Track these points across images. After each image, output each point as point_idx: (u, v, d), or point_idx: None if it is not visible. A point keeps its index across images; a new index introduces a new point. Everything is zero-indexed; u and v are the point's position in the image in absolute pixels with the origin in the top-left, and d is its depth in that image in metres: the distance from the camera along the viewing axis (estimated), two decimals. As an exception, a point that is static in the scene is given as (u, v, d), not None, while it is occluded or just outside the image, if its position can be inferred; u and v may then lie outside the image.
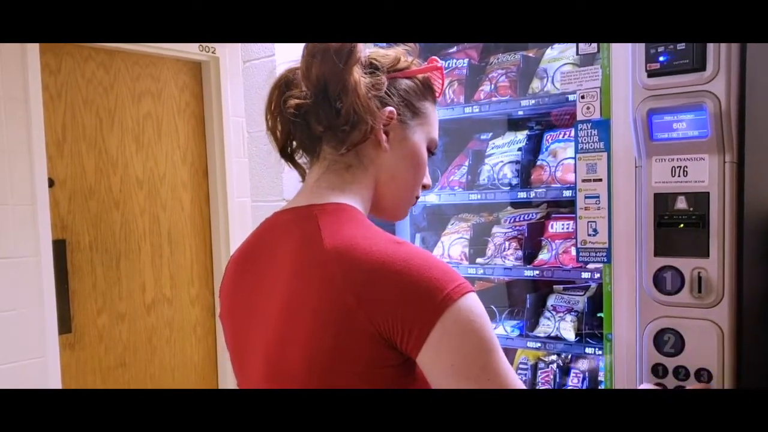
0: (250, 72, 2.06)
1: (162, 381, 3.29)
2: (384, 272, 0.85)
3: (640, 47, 1.34)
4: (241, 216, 3.44)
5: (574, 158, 1.57)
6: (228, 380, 3.50)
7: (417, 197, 1.11)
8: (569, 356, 1.99)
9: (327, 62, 0.96)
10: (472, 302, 0.86)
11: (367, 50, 1.03)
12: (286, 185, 1.99)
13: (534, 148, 2.02)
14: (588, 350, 1.80)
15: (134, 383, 3.19)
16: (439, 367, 0.84)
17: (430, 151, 1.09)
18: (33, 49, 2.72)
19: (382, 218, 1.09)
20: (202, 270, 3.47)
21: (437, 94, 1.10)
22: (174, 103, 3.34)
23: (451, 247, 2.13)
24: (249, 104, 2.08)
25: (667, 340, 1.36)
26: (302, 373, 0.90)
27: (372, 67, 1.01)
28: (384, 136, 1.01)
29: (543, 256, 1.94)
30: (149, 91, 3.24)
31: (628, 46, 1.39)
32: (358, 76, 0.97)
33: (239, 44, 2.26)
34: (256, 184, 2.06)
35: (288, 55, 2.00)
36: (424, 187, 1.11)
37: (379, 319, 0.84)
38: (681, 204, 1.34)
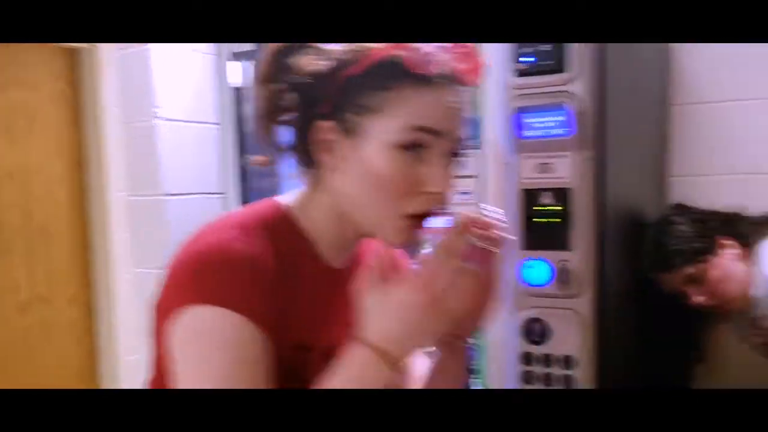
0: (128, 61, 1.98)
1: (40, 384, 3.13)
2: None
3: (510, 47, 1.38)
4: (121, 210, 3.31)
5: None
6: (110, 382, 3.37)
7: (422, 215, 0.81)
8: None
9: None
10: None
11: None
12: (165, 179, 1.92)
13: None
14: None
15: (9, 387, 3.01)
16: None
17: (418, 144, 0.77)
18: None
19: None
20: (80, 267, 3.32)
21: (422, 70, 0.77)
22: (47, 91, 3.16)
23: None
24: (126, 94, 2.00)
25: (535, 330, 1.43)
26: None
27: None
28: (327, 156, 0.81)
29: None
30: (18, 78, 3.05)
31: (499, 45, 1.43)
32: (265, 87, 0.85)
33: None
34: (134, 179, 1.98)
35: (164, 44, 1.94)
36: (434, 196, 0.80)
37: None
38: (547, 199, 1.40)
